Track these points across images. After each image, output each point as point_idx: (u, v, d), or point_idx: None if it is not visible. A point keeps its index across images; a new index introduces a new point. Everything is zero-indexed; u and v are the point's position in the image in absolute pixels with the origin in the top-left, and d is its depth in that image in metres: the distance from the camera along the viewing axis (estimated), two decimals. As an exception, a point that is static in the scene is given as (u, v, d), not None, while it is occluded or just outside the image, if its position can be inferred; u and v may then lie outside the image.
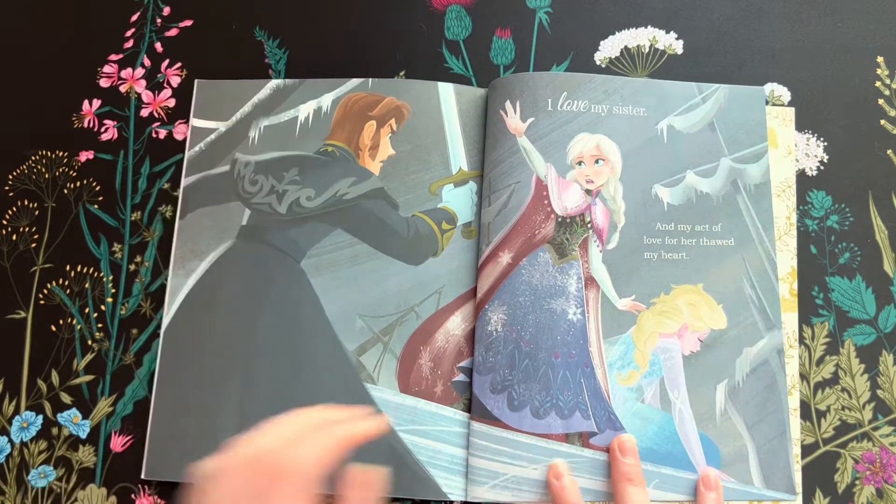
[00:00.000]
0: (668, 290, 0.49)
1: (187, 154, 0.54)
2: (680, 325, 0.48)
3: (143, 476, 0.49)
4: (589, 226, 0.49)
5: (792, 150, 0.52)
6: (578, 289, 0.48)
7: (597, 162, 0.50)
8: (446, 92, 0.53)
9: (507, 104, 0.51)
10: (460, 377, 0.49)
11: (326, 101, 0.54)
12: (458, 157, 0.52)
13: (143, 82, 0.58)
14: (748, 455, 0.46)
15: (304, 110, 0.54)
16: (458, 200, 0.52)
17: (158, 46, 0.58)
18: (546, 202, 0.50)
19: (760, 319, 0.48)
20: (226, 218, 0.53)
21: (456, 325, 0.49)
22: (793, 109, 0.53)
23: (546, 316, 0.48)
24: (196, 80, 0.56)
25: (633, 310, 0.48)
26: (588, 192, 0.50)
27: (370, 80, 0.54)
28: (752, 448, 0.46)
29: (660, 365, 0.48)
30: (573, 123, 0.51)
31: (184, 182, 0.54)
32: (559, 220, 0.49)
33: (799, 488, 0.46)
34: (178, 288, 0.52)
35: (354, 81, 0.54)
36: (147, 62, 0.58)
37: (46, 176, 0.56)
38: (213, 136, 0.55)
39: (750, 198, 0.50)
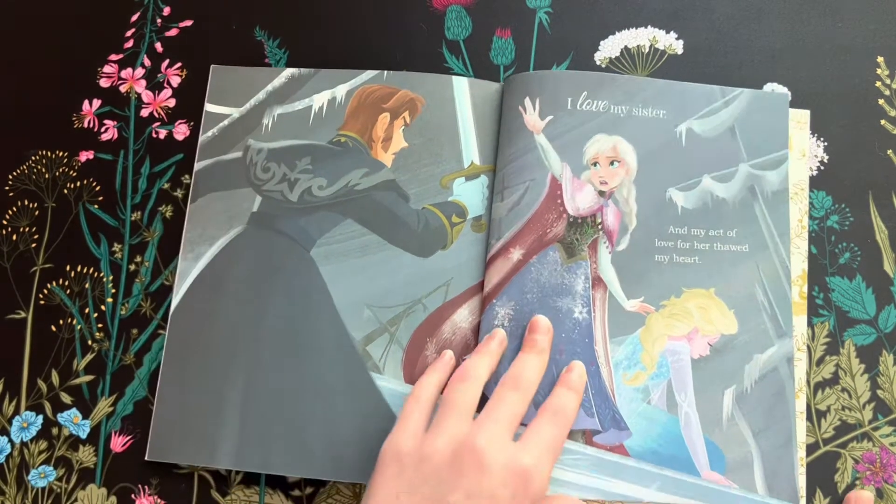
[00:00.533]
0: (678, 293, 0.48)
1: (200, 138, 0.55)
2: (690, 329, 0.48)
3: (146, 458, 0.49)
4: (599, 227, 0.49)
5: (806, 153, 0.52)
6: (585, 288, 0.48)
7: (612, 164, 0.50)
8: (460, 86, 0.53)
9: (527, 100, 0.51)
10: None
11: (341, 91, 0.54)
12: (471, 151, 0.52)
13: (143, 82, 0.58)
14: (753, 462, 0.46)
15: (319, 100, 0.54)
16: (469, 194, 0.52)
17: (158, 46, 0.58)
18: (559, 201, 0.50)
19: (772, 326, 0.48)
20: (237, 204, 0.53)
21: (463, 317, 0.49)
22: (808, 112, 0.53)
23: (551, 314, 0.48)
24: (212, 66, 0.56)
25: (641, 311, 0.48)
26: (601, 193, 0.50)
27: (385, 72, 0.54)
28: (758, 455, 0.46)
29: (668, 367, 0.48)
30: (591, 123, 0.51)
31: (196, 166, 0.54)
32: (570, 219, 0.49)
33: (803, 491, 0.46)
34: (187, 271, 0.52)
35: (369, 73, 0.55)
36: (147, 62, 0.58)
37: (46, 176, 0.56)
38: (226, 122, 0.55)
39: (767, 205, 0.50)
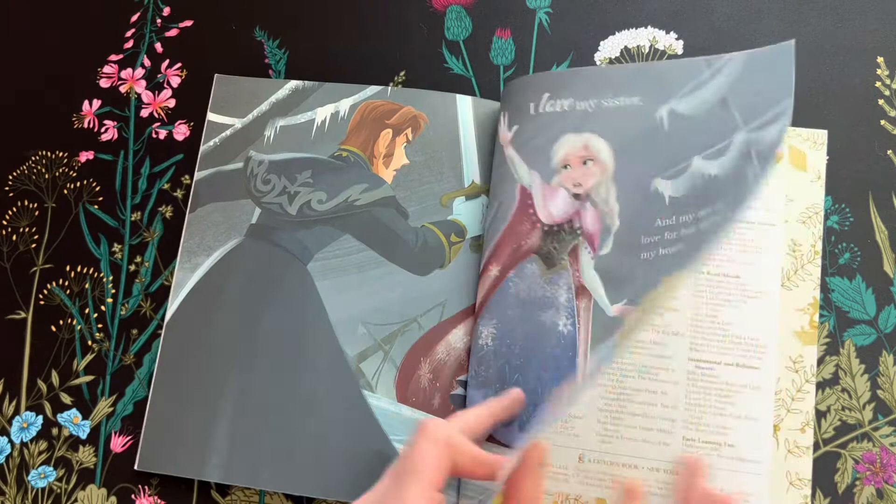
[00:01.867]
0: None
1: (201, 148, 0.55)
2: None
3: (135, 467, 0.49)
4: (578, 232, 0.47)
5: (822, 175, 0.50)
6: (569, 299, 0.46)
7: (585, 163, 0.47)
8: (464, 105, 0.53)
9: (502, 115, 0.50)
10: (458, 391, 0.48)
11: (344, 105, 0.54)
12: (472, 171, 0.52)
13: (143, 82, 0.58)
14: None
15: (322, 113, 0.54)
16: (469, 214, 0.51)
17: (158, 47, 0.58)
18: (531, 211, 0.48)
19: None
20: (236, 215, 0.53)
21: (458, 338, 0.49)
22: (825, 132, 0.51)
23: (536, 328, 0.46)
24: (215, 75, 0.56)
25: (622, 314, 0.45)
26: (576, 196, 0.47)
27: (389, 88, 0.54)
28: None
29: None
30: (557, 125, 0.48)
31: (196, 175, 0.54)
32: (545, 228, 0.47)
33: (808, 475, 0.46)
34: (184, 281, 0.52)
35: (373, 88, 0.54)
36: (147, 62, 0.58)
37: (46, 176, 0.56)
38: (228, 132, 0.55)
39: (759, 161, 0.41)
